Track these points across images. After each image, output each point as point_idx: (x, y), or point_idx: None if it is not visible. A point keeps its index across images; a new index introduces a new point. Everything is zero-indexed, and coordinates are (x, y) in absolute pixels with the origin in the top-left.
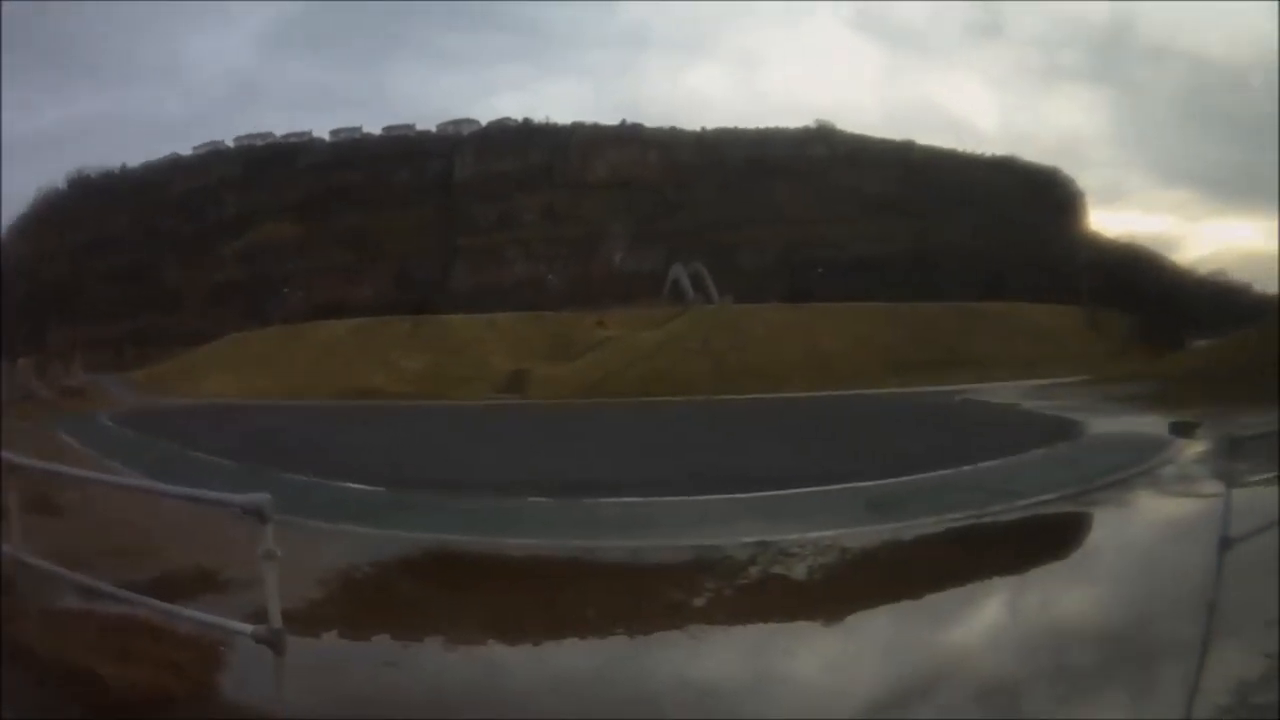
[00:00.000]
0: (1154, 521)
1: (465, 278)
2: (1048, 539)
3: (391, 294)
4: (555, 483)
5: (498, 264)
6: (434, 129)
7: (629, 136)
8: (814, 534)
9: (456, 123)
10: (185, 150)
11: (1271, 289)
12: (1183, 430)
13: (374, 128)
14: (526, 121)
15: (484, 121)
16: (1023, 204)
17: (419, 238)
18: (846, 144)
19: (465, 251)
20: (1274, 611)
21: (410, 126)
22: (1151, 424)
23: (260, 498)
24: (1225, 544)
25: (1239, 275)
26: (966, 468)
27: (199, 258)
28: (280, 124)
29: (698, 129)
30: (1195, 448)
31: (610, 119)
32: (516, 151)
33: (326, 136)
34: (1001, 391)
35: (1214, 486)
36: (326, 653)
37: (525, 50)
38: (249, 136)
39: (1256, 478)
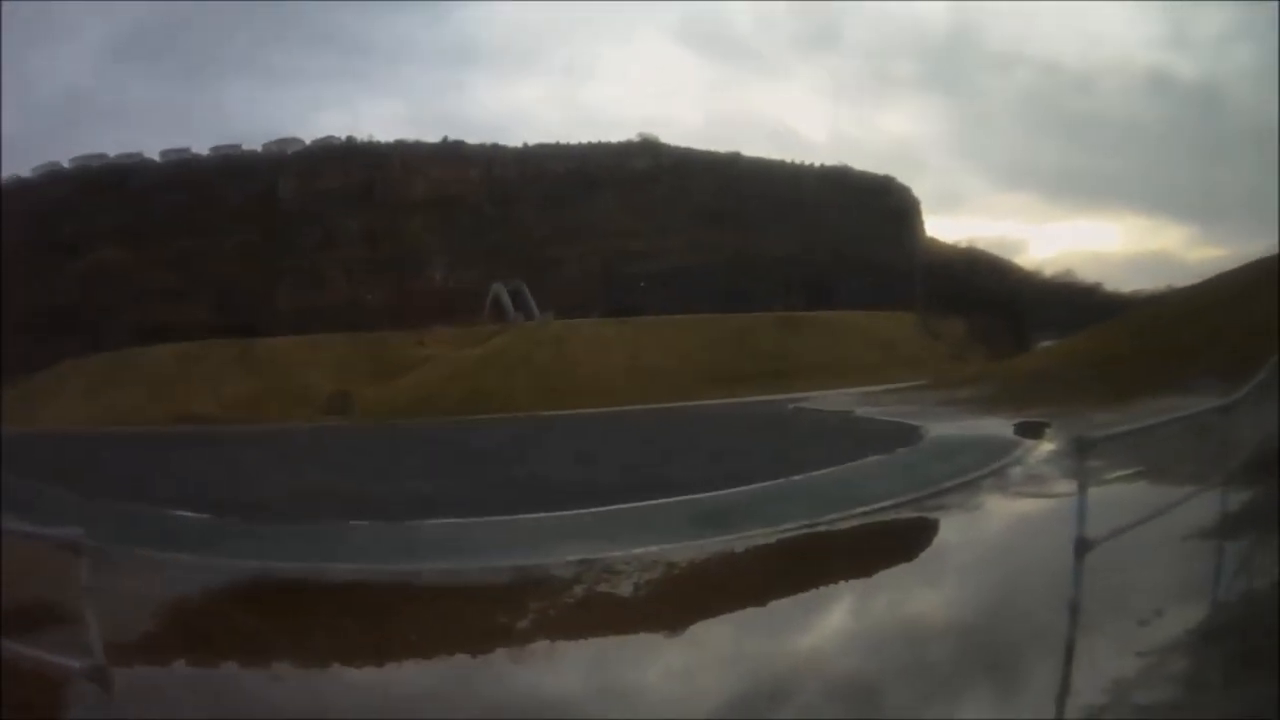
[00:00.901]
0: (1004, 523)
1: (290, 299)
2: (890, 545)
3: (219, 317)
4: (378, 504)
5: (321, 285)
6: (260, 148)
7: (450, 154)
8: (645, 549)
9: (281, 141)
10: (25, 171)
11: (1123, 288)
12: (1030, 431)
13: (203, 147)
14: (350, 140)
15: (308, 140)
16: (855, 213)
17: (244, 259)
18: (671, 157)
19: (289, 272)
20: (1144, 611)
21: (237, 146)
22: (995, 426)
23: (73, 531)
24: (1082, 545)
25: (1087, 275)
26: (799, 477)
27: (36, 282)
28: (116, 143)
29: (520, 145)
30: (1045, 447)
31: (432, 136)
32: (339, 170)
33: (157, 157)
34: (835, 399)
35: (1067, 486)
36: (158, 682)
37: (350, 67)
38: (85, 157)
39: (1114, 475)
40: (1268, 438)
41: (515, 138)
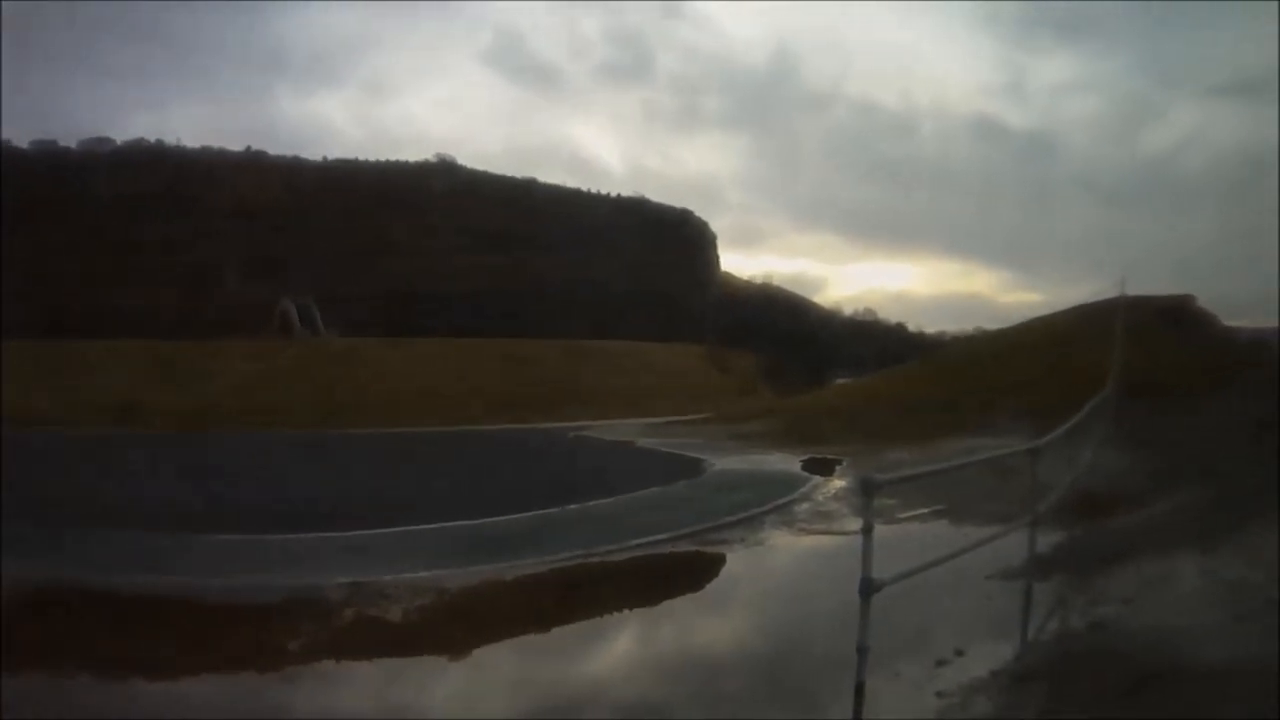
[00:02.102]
0: (789, 559)
1: (92, 302)
2: (667, 579)
3: (27, 316)
4: (157, 515)
5: (124, 289)
6: (75, 145)
7: (252, 164)
8: (417, 574)
9: (95, 140)
10: None
11: (927, 328)
12: (820, 467)
13: (22, 140)
14: (159, 143)
15: (120, 140)
16: (650, 245)
17: (53, 259)
18: (467, 179)
19: (93, 275)
20: (944, 651)
21: (53, 142)
22: (782, 461)
23: None
24: (868, 585)
25: (891, 316)
26: (574, 506)
27: None
28: None
29: (320, 158)
30: (836, 484)
31: (238, 144)
32: (146, 173)
33: None
34: (618, 429)
35: (857, 524)
36: None
37: (168, 66)
38: None
39: (907, 514)
40: (1077, 481)
41: (316, 151)
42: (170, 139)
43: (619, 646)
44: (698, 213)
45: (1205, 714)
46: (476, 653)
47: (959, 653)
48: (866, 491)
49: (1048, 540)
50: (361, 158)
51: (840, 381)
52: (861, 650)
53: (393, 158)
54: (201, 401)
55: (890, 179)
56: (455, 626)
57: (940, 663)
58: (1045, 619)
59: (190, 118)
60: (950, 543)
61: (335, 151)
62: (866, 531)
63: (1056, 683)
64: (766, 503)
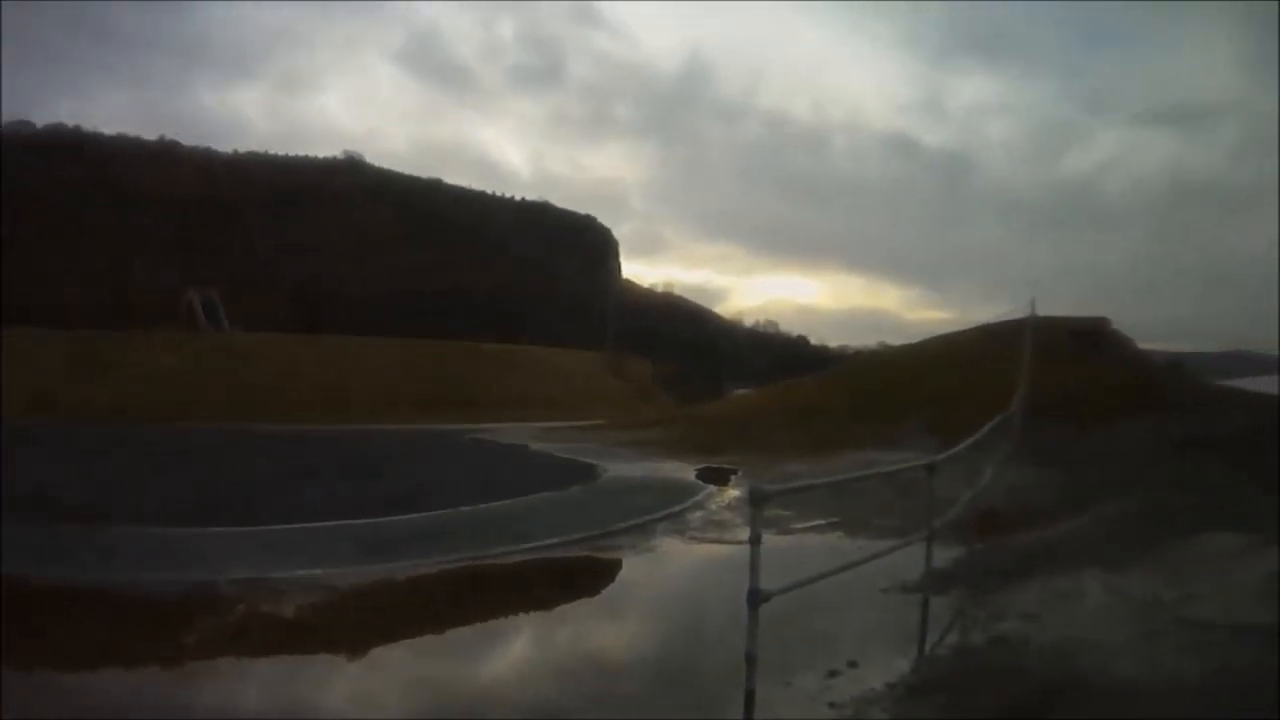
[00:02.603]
0: (678, 567)
1: (11, 290)
2: (556, 584)
3: None
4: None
5: (42, 277)
6: None
7: (166, 154)
8: (308, 572)
9: (18, 123)
10: None
11: (831, 342)
12: (715, 476)
13: None
14: (78, 128)
15: (40, 124)
16: (553, 249)
17: None
18: (374, 177)
19: (14, 262)
20: (837, 663)
21: None
22: (677, 469)
23: None
24: (755, 596)
25: (793, 329)
26: (466, 508)
27: None
28: None
29: (231, 151)
30: (730, 494)
31: (152, 133)
32: (66, 159)
33: None
34: (514, 432)
35: (748, 533)
36: None
37: (87, 54)
38: None
39: (802, 526)
40: (977, 496)
41: (228, 143)
42: (89, 126)
43: (504, 650)
44: (601, 219)
45: None
46: (365, 652)
47: (852, 664)
48: (755, 502)
49: (948, 555)
50: (272, 152)
51: (739, 392)
52: (750, 659)
53: (303, 153)
54: (112, 393)
55: (799, 193)
56: (344, 625)
57: (832, 673)
58: (943, 633)
59: (109, 105)
60: (845, 555)
61: (247, 145)
62: (754, 542)
63: (955, 696)
64: (659, 510)
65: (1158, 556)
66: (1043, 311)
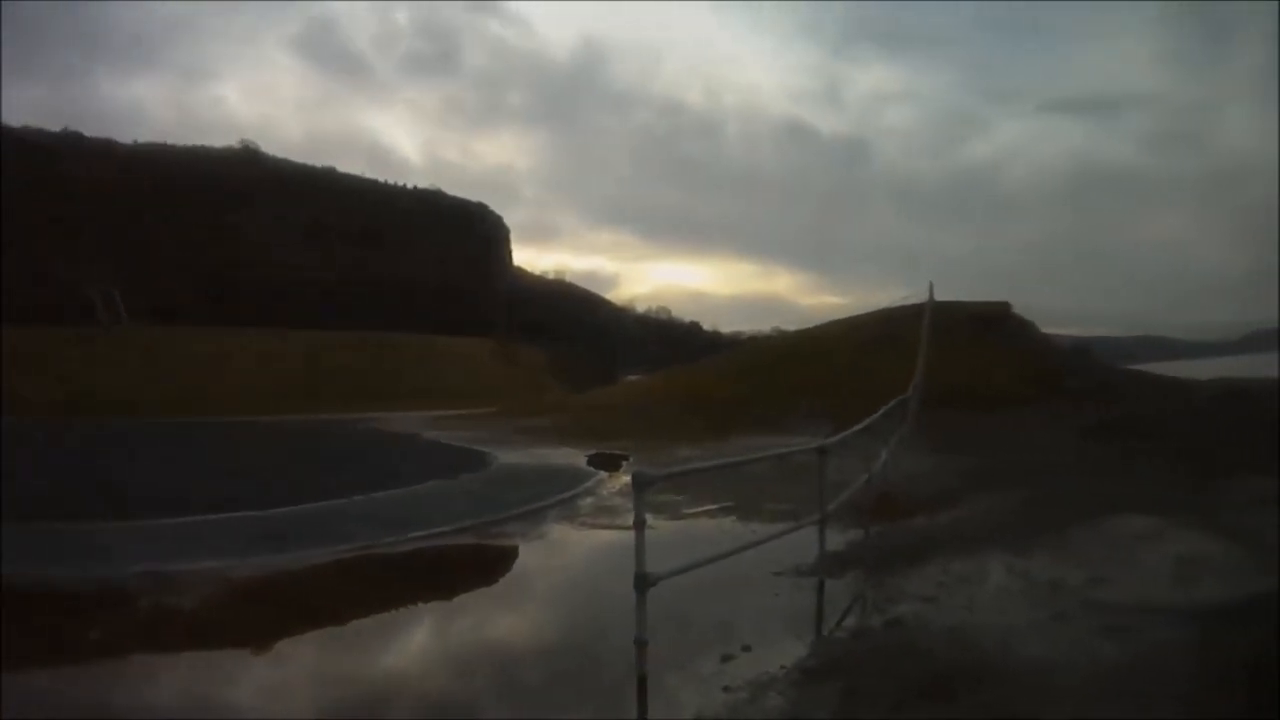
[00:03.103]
0: (569, 554)
1: None
2: (448, 571)
3: None
4: None
5: None
6: None
7: (68, 146)
8: (204, 564)
9: None
10: None
11: (723, 328)
12: (605, 463)
13: None
14: None
15: None
16: (445, 238)
17: None
18: (270, 167)
19: None
20: (729, 648)
21: None
22: (567, 456)
23: None
24: (642, 580)
25: (686, 314)
26: (360, 498)
27: None
28: None
29: (132, 141)
30: (622, 480)
31: (55, 124)
32: None
33: None
34: (407, 421)
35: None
36: None
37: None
38: None
39: (695, 510)
40: (872, 480)
41: (129, 133)
42: None
43: (388, 641)
44: (493, 207)
45: (1015, 713)
46: (250, 645)
47: (746, 648)
48: (638, 486)
49: (845, 539)
50: (171, 142)
51: (631, 378)
52: (640, 643)
53: (201, 143)
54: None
55: (692, 180)
56: (230, 619)
57: (726, 658)
58: (840, 616)
59: (10, 97)
60: (737, 539)
61: (146, 135)
62: (639, 526)
63: (851, 678)
64: (549, 497)
65: (1063, 540)
66: (945, 297)
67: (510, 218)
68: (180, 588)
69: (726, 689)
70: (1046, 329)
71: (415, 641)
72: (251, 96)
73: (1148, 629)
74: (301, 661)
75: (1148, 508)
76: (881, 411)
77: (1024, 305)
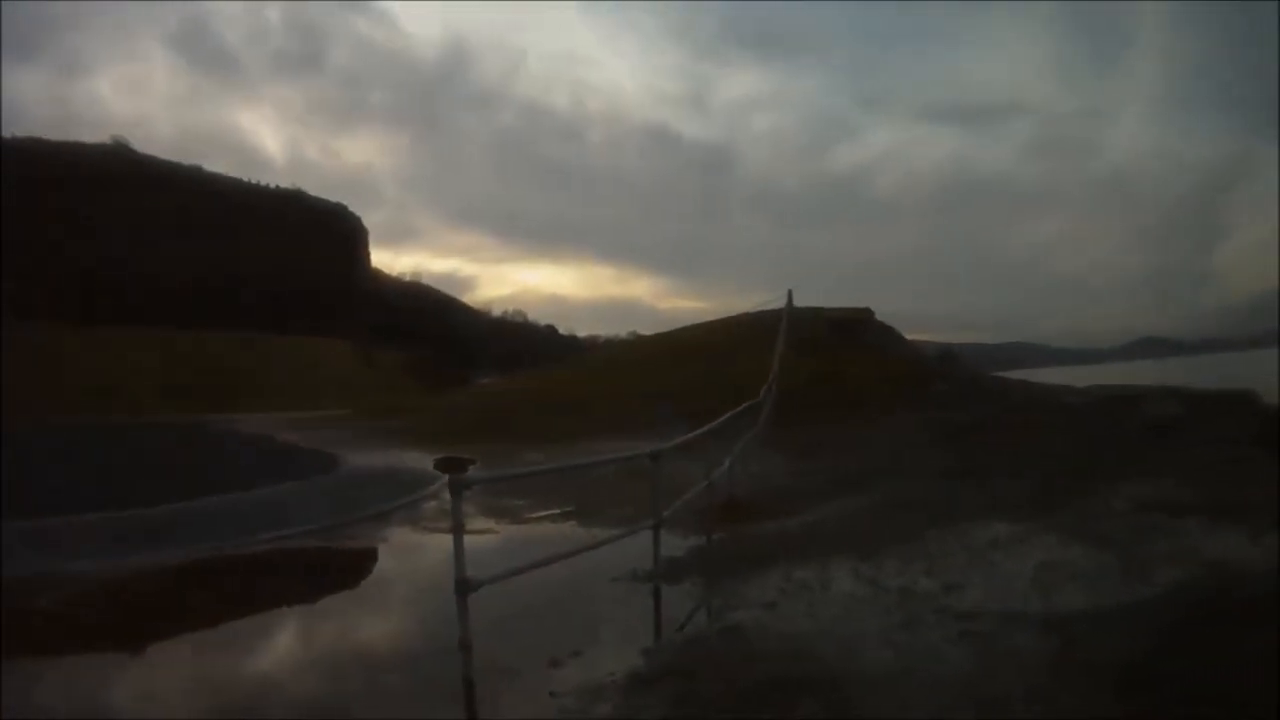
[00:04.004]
0: (411, 557)
1: None
2: (293, 572)
3: None
4: None
5: None
6: None
7: None
8: (53, 566)
9: None
10: None
11: (580, 331)
12: (451, 466)
13: None
14: None
15: None
16: (308, 238)
17: None
18: (140, 164)
19: None
20: (558, 653)
21: None
22: (416, 459)
23: None
24: (464, 585)
25: (542, 318)
26: (213, 499)
27: None
28: None
29: (9, 135)
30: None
31: None
32: None
33: None
34: (268, 423)
35: (484, 523)
36: None
37: None
38: None
39: (537, 515)
40: (713, 485)
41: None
42: None
43: (229, 644)
44: (353, 207)
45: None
46: (93, 649)
47: (576, 654)
48: (454, 491)
49: (687, 544)
50: (46, 137)
51: (486, 381)
52: (464, 647)
53: (73, 138)
54: None
55: (553, 183)
56: (74, 622)
57: (556, 663)
58: (676, 622)
59: None
60: (576, 544)
61: (21, 129)
62: (456, 531)
63: (683, 684)
64: (394, 500)
65: (918, 546)
66: (811, 303)
67: (369, 218)
68: (19, 592)
69: (553, 694)
70: (916, 335)
71: (244, 646)
72: (126, 92)
73: (1002, 636)
74: (133, 666)
75: (1009, 514)
76: (727, 416)
77: (893, 312)
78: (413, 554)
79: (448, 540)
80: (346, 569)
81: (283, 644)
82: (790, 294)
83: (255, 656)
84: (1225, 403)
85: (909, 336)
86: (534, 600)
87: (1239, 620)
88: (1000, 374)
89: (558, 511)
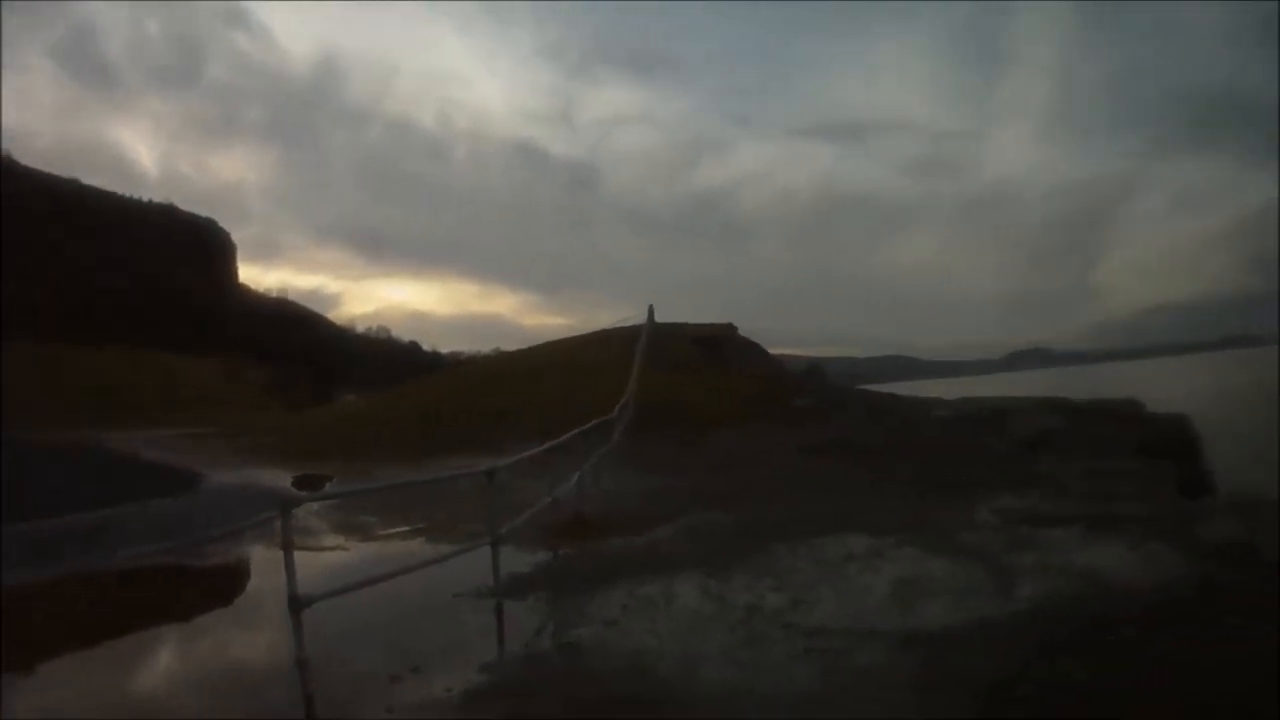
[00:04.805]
0: (262, 574)
1: None
2: (145, 593)
3: None
4: None
5: None
6: None
7: None
8: None
9: None
10: None
11: (443, 348)
12: (310, 484)
13: None
14: None
15: None
16: (179, 253)
17: None
18: (18, 177)
19: None
20: (398, 669)
21: None
22: (276, 477)
23: None
24: (296, 602)
25: (405, 334)
26: (70, 517)
27: None
28: None
29: None
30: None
31: None
32: None
33: None
34: (129, 441)
35: (335, 540)
36: None
37: None
38: None
39: (387, 531)
40: (558, 501)
41: None
42: None
43: (80, 663)
44: (223, 223)
45: None
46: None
47: (415, 670)
48: (283, 510)
49: (533, 560)
50: None
51: (350, 398)
52: (301, 664)
53: None
54: None
55: (418, 200)
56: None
57: (394, 679)
58: (517, 639)
59: None
60: (418, 559)
61: None
62: (286, 549)
63: (519, 702)
64: (252, 517)
65: (768, 561)
66: (679, 319)
67: (239, 234)
68: None
69: (389, 710)
70: (783, 351)
71: (96, 665)
72: (8, 104)
73: (853, 653)
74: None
75: (867, 529)
76: (573, 433)
77: (758, 328)
78: (266, 571)
79: (300, 557)
80: (200, 587)
81: (126, 663)
82: (651, 310)
83: (94, 677)
84: (1108, 412)
85: (775, 352)
86: (377, 617)
87: (1115, 632)
88: (870, 388)
89: (408, 529)
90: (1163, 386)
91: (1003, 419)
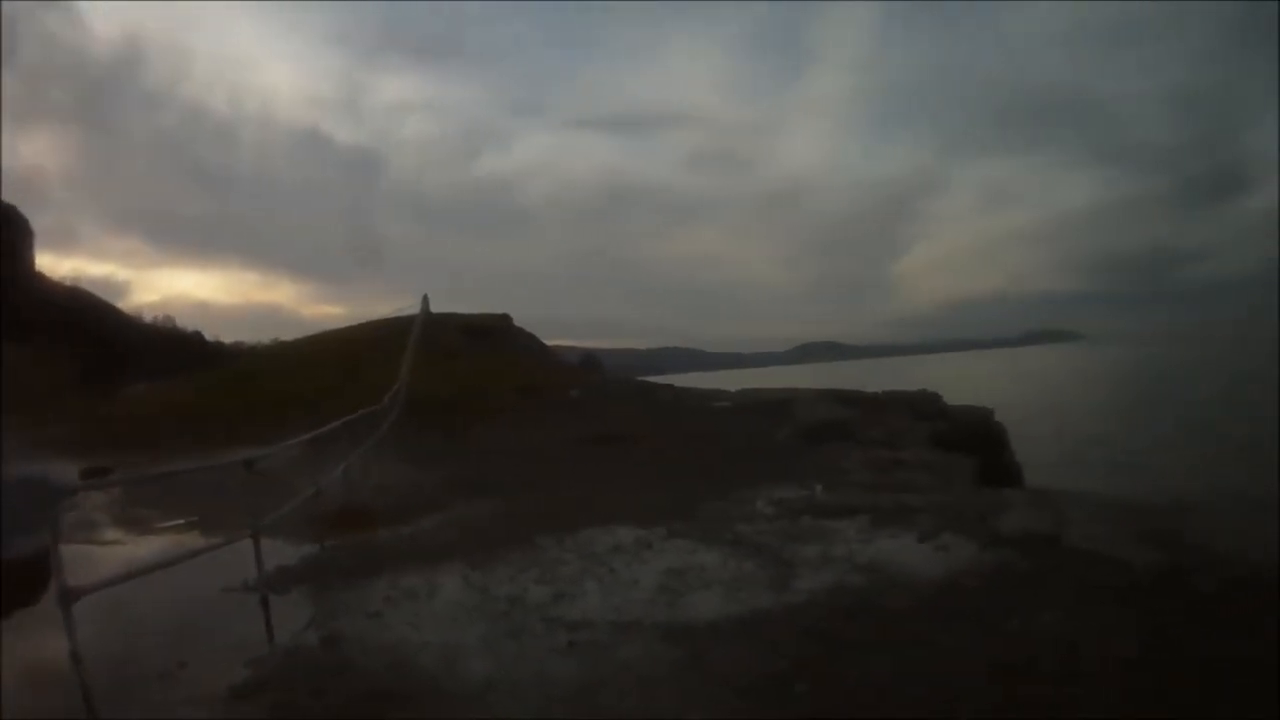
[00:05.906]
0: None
1: None
2: None
3: None
4: None
5: None
6: None
7: None
8: None
9: None
10: None
11: (226, 338)
12: (95, 474)
13: None
14: None
15: None
16: None
17: None
18: None
19: None
20: (166, 664)
21: None
22: (63, 470)
23: None
24: (67, 595)
25: (189, 323)
26: None
27: None
28: None
29: None
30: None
31: None
32: None
33: None
34: None
35: (115, 534)
36: None
37: None
38: None
39: (165, 524)
40: (321, 493)
41: None
42: None
43: None
44: (22, 209)
45: None
46: None
47: (182, 664)
48: (50, 502)
49: (300, 553)
50: None
51: (139, 387)
52: (74, 658)
53: None
54: None
55: (205, 187)
56: None
57: (163, 676)
58: (282, 632)
59: None
60: (191, 551)
61: None
62: (54, 543)
63: (280, 696)
64: (38, 510)
65: (532, 553)
66: (455, 309)
67: (37, 221)
68: None
69: (159, 705)
70: (560, 341)
71: None
72: None
73: (616, 646)
74: None
75: (637, 520)
76: (336, 424)
77: (535, 318)
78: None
79: (82, 550)
80: None
81: None
82: (426, 299)
83: None
84: (903, 404)
85: (553, 343)
86: (150, 611)
87: (893, 625)
88: (650, 379)
89: (183, 522)
90: (968, 380)
91: (786, 409)
